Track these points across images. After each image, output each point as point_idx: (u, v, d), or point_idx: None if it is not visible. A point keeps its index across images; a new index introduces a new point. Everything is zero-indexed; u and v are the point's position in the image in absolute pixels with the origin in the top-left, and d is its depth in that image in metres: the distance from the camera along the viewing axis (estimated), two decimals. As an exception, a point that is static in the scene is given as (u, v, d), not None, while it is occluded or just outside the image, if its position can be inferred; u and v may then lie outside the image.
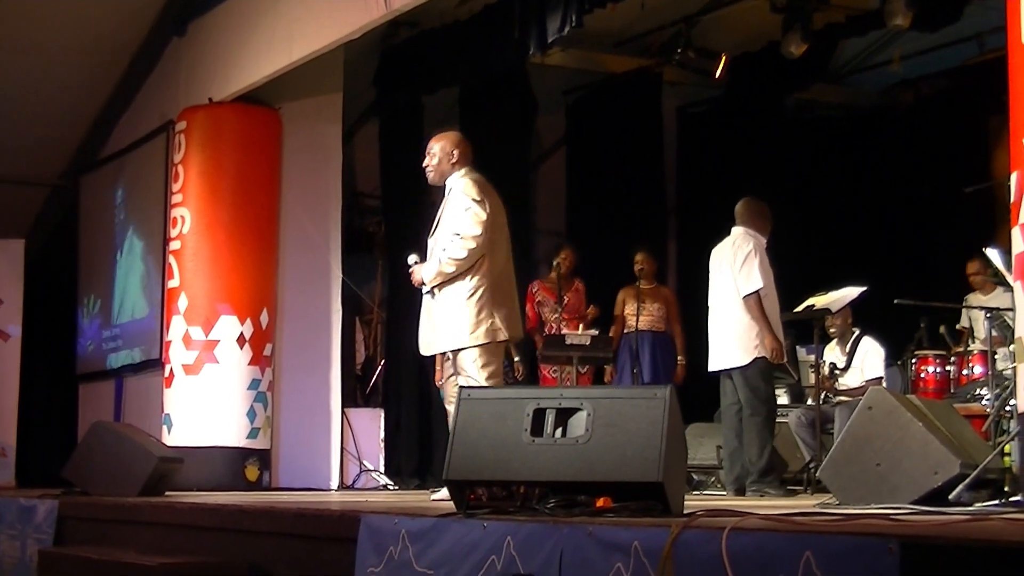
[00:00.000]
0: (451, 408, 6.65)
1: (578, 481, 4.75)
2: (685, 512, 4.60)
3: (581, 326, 10.53)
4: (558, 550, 4.14)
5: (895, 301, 9.27)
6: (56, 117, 12.68)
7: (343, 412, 11.13)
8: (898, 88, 13.59)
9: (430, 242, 7.30)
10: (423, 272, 7.17)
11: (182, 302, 10.76)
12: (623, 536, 3.94)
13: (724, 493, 9.16)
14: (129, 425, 10.34)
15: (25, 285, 12.63)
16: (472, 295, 7.04)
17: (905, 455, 5.55)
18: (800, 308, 9.51)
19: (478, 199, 7.09)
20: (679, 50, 11.86)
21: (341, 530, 5.31)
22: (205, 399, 10.59)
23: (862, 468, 5.67)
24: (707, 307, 9.05)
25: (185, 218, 10.88)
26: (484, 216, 7.06)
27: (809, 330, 9.70)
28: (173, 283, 10.89)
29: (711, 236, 9.29)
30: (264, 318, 10.79)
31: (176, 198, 11.00)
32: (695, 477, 10.30)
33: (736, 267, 8.71)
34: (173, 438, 10.49)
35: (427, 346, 7.35)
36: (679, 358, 10.94)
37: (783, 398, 10.67)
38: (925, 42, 11.96)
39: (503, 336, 7.09)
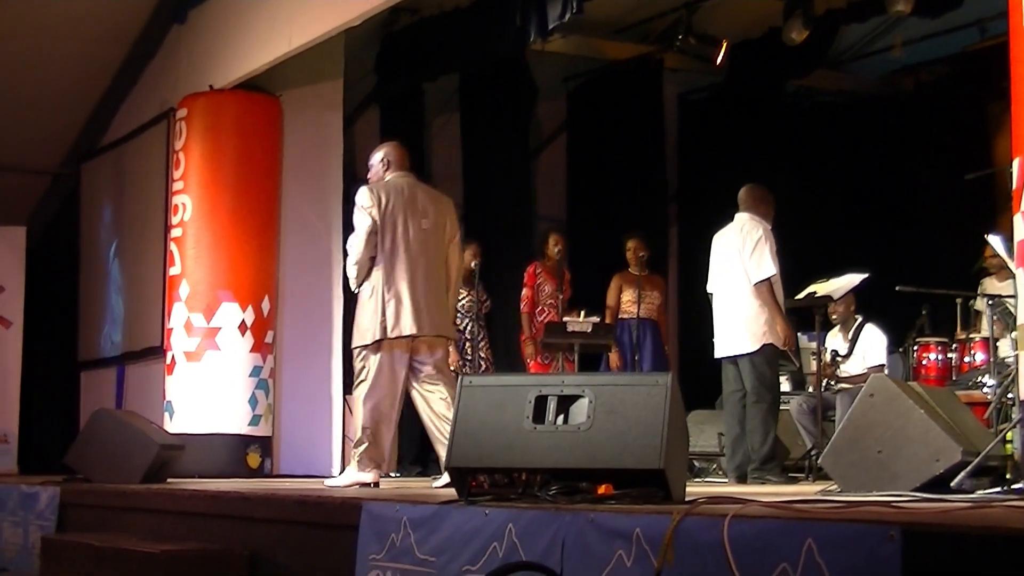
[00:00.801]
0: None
1: (580, 468, 4.76)
2: (687, 499, 4.61)
3: (583, 313, 10.53)
4: (560, 537, 4.14)
5: (896, 288, 9.25)
6: (56, 105, 12.65)
7: (345, 399, 11.12)
8: (899, 74, 13.58)
9: None
10: (349, 275, 7.97)
11: (183, 289, 10.75)
12: (625, 523, 3.94)
13: (725, 480, 9.17)
14: (131, 412, 10.34)
15: (26, 272, 12.64)
16: (371, 295, 7.74)
17: (907, 442, 5.55)
18: (801, 295, 9.50)
19: (366, 205, 7.78)
20: (680, 37, 11.85)
21: (342, 517, 5.31)
22: (206, 386, 10.58)
23: (863, 455, 5.67)
24: (709, 293, 9.03)
25: (186, 205, 10.87)
26: (368, 221, 7.74)
27: (810, 317, 9.69)
28: (174, 270, 10.87)
29: (712, 223, 9.29)
30: (265, 305, 10.78)
31: (177, 185, 10.98)
32: (696, 464, 10.31)
33: (746, 254, 8.66)
34: (175, 425, 10.49)
35: None
36: (664, 347, 10.98)
37: (784, 385, 10.66)
38: (926, 28, 11.94)
39: (397, 332, 7.66)
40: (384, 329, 7.63)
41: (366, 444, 7.67)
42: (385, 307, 7.66)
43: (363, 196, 7.83)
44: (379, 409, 7.70)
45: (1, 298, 12.54)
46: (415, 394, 7.81)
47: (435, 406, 7.75)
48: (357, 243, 7.77)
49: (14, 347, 12.46)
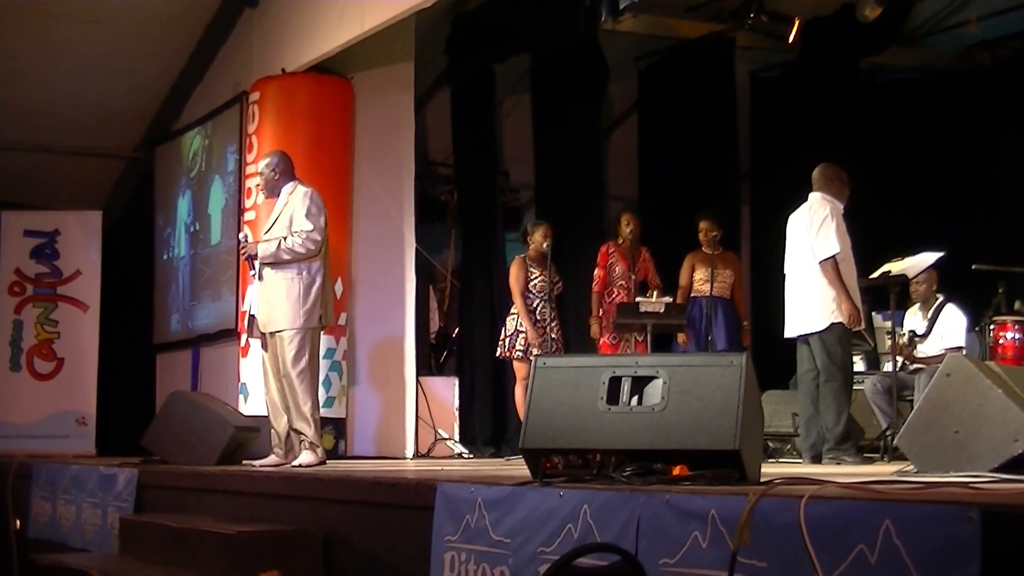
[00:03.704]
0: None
1: (654, 449, 4.74)
2: (762, 480, 4.58)
3: (655, 293, 10.49)
4: (635, 518, 4.13)
5: (973, 267, 9.15)
6: (130, 89, 12.76)
7: (417, 381, 11.16)
8: (976, 50, 13.38)
9: (265, 236, 8.45)
10: (259, 249, 8.30)
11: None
12: (700, 504, 3.93)
13: (800, 461, 9.12)
14: (206, 394, 10.43)
15: (103, 256, 12.78)
16: (312, 285, 8.24)
17: (984, 422, 5.49)
18: (876, 274, 9.43)
19: (321, 206, 8.34)
20: (751, 15, 11.78)
21: (418, 499, 5.33)
22: (281, 368, 10.63)
23: (940, 435, 5.63)
24: (783, 273, 8.98)
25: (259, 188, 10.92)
26: (324, 223, 8.32)
27: (886, 296, 9.61)
28: (248, 253, 10.93)
29: (784, 201, 9.22)
30: (339, 288, 10.80)
31: (250, 168, 11.04)
32: (771, 445, 10.27)
33: (813, 232, 8.63)
34: (249, 407, 10.55)
35: (265, 325, 8.41)
36: (744, 323, 10.84)
37: (859, 365, 10.57)
38: (1002, 2, 11.79)
39: (327, 322, 8.43)
40: (321, 318, 8.29)
41: (315, 426, 8.25)
42: (323, 297, 8.28)
43: (318, 198, 8.38)
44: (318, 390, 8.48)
45: (78, 282, 12.70)
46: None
47: None
48: (319, 239, 8.23)
49: (91, 330, 12.62)
